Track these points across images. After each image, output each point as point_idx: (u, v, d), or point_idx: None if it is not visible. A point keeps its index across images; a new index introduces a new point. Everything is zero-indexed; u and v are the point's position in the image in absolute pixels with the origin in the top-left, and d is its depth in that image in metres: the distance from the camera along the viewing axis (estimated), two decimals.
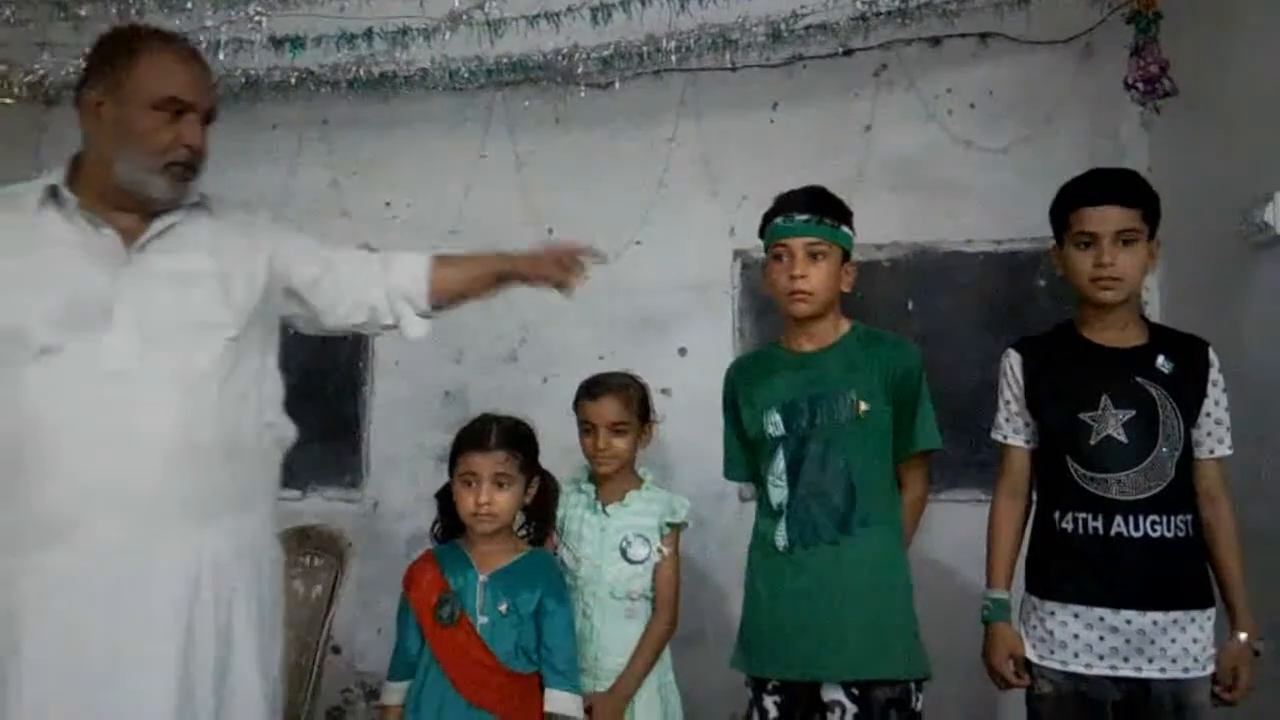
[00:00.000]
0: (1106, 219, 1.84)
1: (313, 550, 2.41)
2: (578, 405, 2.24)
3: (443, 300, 1.84)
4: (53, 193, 1.60)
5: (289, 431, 1.74)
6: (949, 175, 3.04)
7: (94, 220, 1.58)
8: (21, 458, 1.49)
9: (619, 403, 2.20)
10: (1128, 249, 1.84)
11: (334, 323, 1.81)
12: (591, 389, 2.23)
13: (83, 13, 2.80)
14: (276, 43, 2.76)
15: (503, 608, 1.94)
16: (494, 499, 1.95)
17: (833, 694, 1.90)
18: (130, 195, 1.59)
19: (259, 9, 2.79)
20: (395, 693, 1.98)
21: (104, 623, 1.47)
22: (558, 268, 1.81)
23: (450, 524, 2.06)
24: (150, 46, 1.61)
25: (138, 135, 1.57)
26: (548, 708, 1.93)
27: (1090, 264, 1.85)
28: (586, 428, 2.21)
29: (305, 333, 1.88)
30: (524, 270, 1.84)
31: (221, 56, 2.90)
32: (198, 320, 1.59)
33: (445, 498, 2.05)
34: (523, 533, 2.09)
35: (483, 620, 1.93)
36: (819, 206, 2.00)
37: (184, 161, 1.59)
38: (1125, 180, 1.91)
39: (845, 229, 2.02)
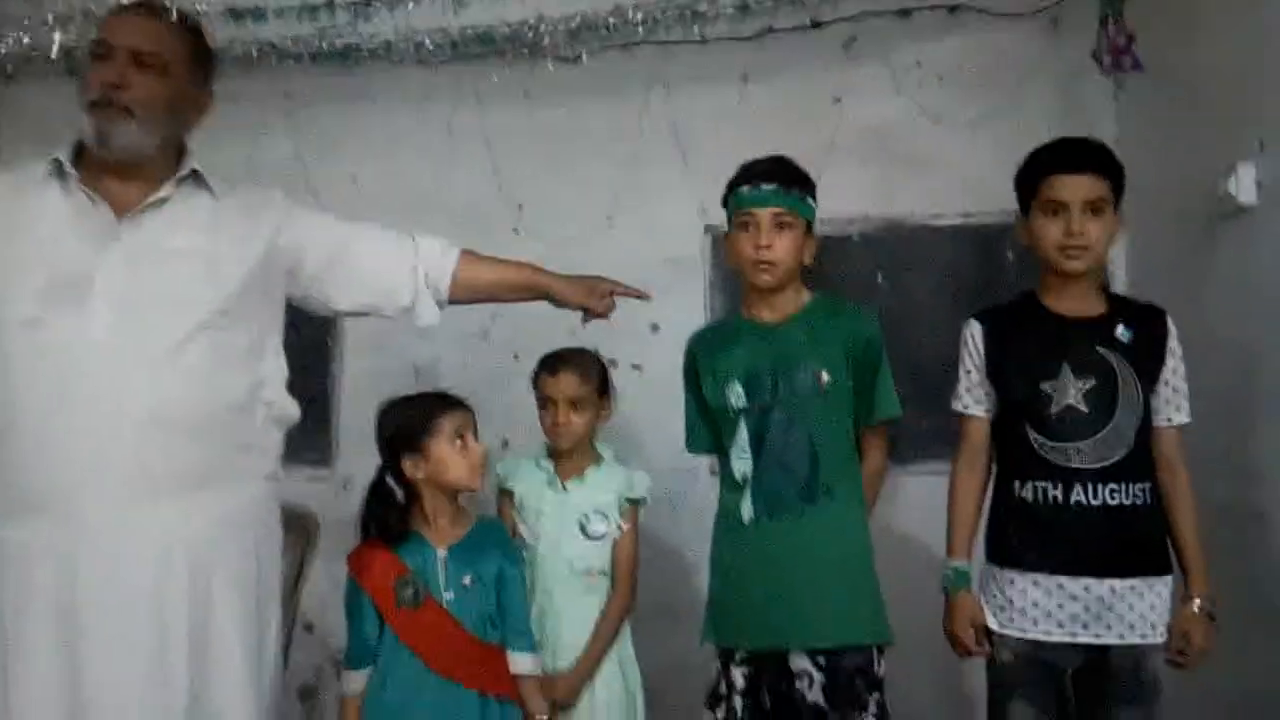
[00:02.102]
0: (1077, 187, 1.85)
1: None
2: (536, 380, 2.24)
3: (462, 295, 1.86)
4: (57, 167, 1.62)
5: (290, 410, 1.75)
6: (918, 148, 3.03)
7: (91, 195, 1.60)
8: (5, 429, 1.52)
9: (577, 377, 2.19)
10: (1096, 218, 1.85)
11: (348, 302, 1.82)
12: (550, 364, 2.22)
13: None
14: (237, 14, 2.71)
15: (467, 580, 1.93)
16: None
17: (801, 663, 1.92)
18: (101, 156, 1.60)
19: None
20: (357, 680, 1.93)
21: (83, 596, 1.49)
22: (595, 300, 1.88)
23: (393, 514, 1.96)
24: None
25: (81, 87, 1.62)
26: (513, 669, 1.94)
27: (1059, 232, 1.86)
28: (545, 403, 2.21)
29: (319, 314, 1.88)
30: (557, 290, 1.88)
31: None
32: (178, 296, 1.59)
33: (382, 489, 1.98)
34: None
35: (448, 596, 1.91)
36: (786, 177, 2.00)
37: (99, 99, 1.59)
38: (1096, 149, 1.92)
39: (810, 200, 2.02)
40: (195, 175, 1.69)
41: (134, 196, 1.62)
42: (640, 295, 1.94)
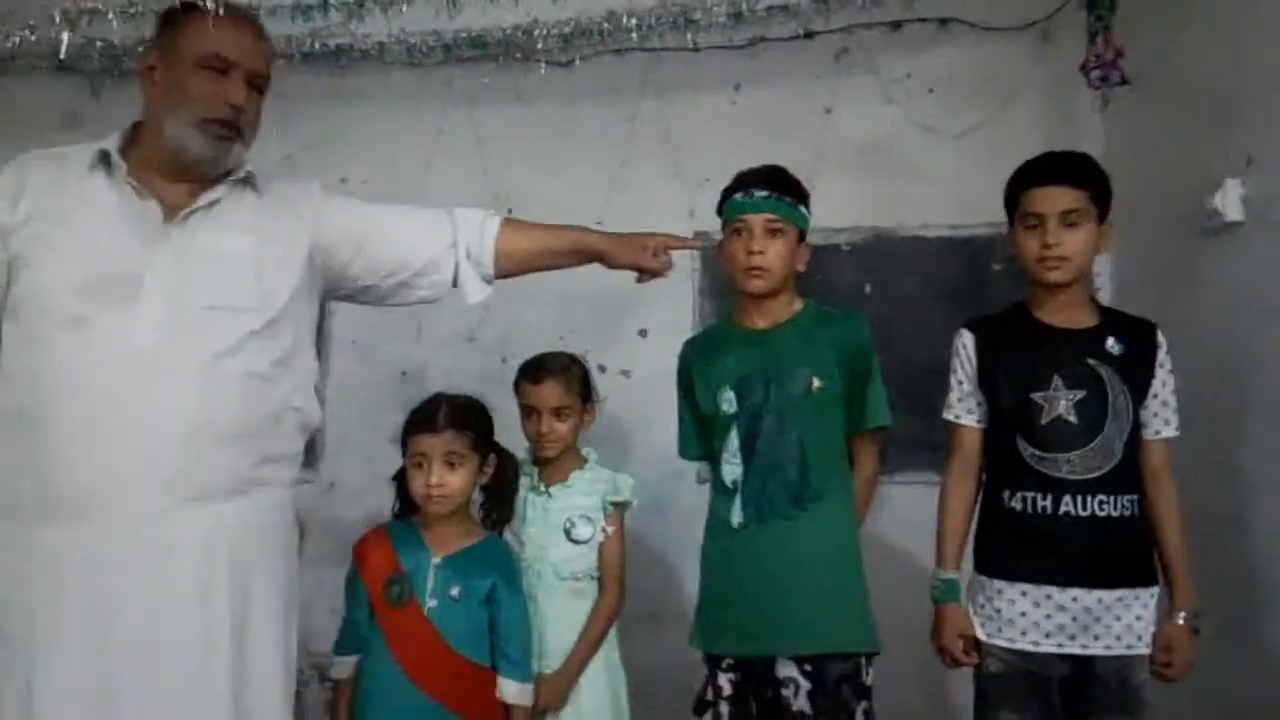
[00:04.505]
0: (1052, 199, 1.87)
1: None
2: (518, 388, 2.21)
3: (507, 267, 1.78)
4: (104, 158, 1.59)
5: (313, 416, 1.71)
6: (908, 159, 3.05)
7: (139, 190, 1.57)
8: (44, 427, 1.48)
9: (560, 386, 2.17)
10: (1073, 229, 1.87)
11: (390, 282, 1.75)
12: (532, 372, 2.19)
13: None
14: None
15: (455, 591, 1.92)
16: (445, 480, 1.93)
17: (787, 670, 1.92)
18: (178, 159, 1.58)
19: None
20: (345, 666, 1.97)
21: (121, 600, 1.47)
22: (648, 258, 1.77)
23: (408, 506, 2.04)
24: (199, 10, 1.62)
25: (183, 93, 1.57)
26: (502, 696, 1.93)
27: (1037, 244, 1.88)
28: (528, 411, 2.18)
29: (372, 305, 1.83)
30: (607, 251, 1.79)
31: None
32: (226, 302, 1.56)
33: (402, 479, 2.03)
34: (482, 514, 2.07)
35: (431, 603, 1.91)
36: (779, 184, 2.01)
37: (223, 119, 1.57)
38: (1071, 161, 1.93)
39: (803, 209, 2.03)
40: (246, 176, 1.66)
41: (183, 196, 1.59)
42: (699, 247, 1.86)
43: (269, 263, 1.62)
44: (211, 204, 1.61)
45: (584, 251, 1.80)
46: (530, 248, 1.78)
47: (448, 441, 1.94)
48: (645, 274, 1.81)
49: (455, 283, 1.77)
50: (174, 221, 1.57)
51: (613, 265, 1.81)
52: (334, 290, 1.77)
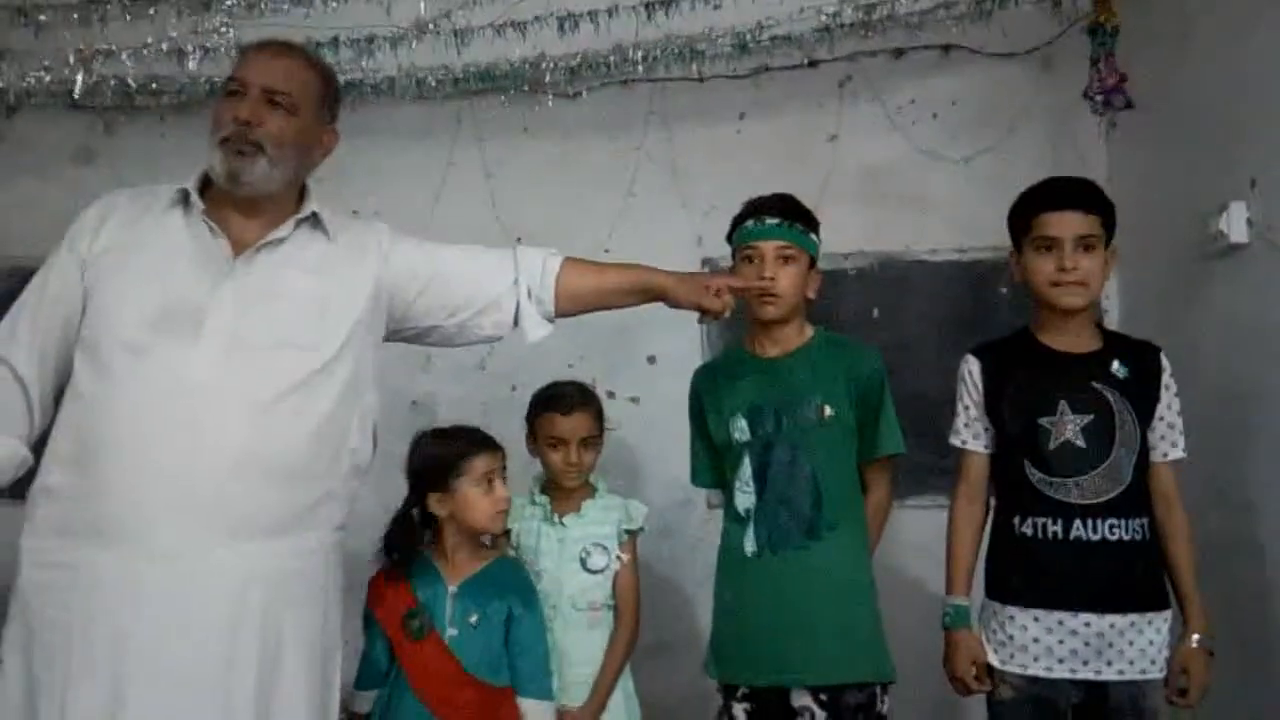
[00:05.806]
0: (1068, 224, 1.87)
1: None
2: (541, 419, 2.19)
3: (568, 306, 1.79)
4: (184, 196, 1.63)
5: (366, 457, 1.70)
6: (913, 185, 3.08)
7: (213, 228, 1.60)
8: (96, 451, 1.50)
9: (589, 416, 2.18)
10: (1088, 254, 1.88)
11: (454, 321, 1.76)
12: (562, 403, 2.18)
13: (43, 19, 2.77)
14: (242, 50, 2.74)
15: (473, 619, 1.92)
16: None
17: (802, 700, 1.91)
18: (221, 187, 1.61)
19: (224, 19, 2.78)
20: (364, 700, 1.97)
21: (141, 629, 1.47)
22: (710, 298, 1.77)
23: (409, 547, 1.99)
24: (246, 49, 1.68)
25: (211, 123, 1.62)
26: (525, 716, 1.92)
27: (1051, 268, 1.88)
28: (554, 443, 2.17)
29: (437, 347, 1.85)
30: (672, 290, 1.79)
31: (192, 65, 2.89)
32: (286, 340, 1.58)
33: (405, 520, 2.01)
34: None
35: (451, 632, 1.91)
36: (790, 211, 2.03)
37: (230, 134, 1.59)
38: (1085, 187, 1.95)
39: (814, 236, 2.05)
40: (314, 216, 1.68)
41: (254, 233, 1.62)
42: (759, 287, 1.88)
43: (331, 302, 1.63)
44: (278, 242, 1.63)
45: (646, 291, 1.81)
46: (592, 286, 1.80)
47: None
48: (707, 314, 1.81)
49: (516, 322, 1.78)
50: (240, 258, 1.60)
51: (675, 305, 1.81)
52: (399, 330, 1.78)
